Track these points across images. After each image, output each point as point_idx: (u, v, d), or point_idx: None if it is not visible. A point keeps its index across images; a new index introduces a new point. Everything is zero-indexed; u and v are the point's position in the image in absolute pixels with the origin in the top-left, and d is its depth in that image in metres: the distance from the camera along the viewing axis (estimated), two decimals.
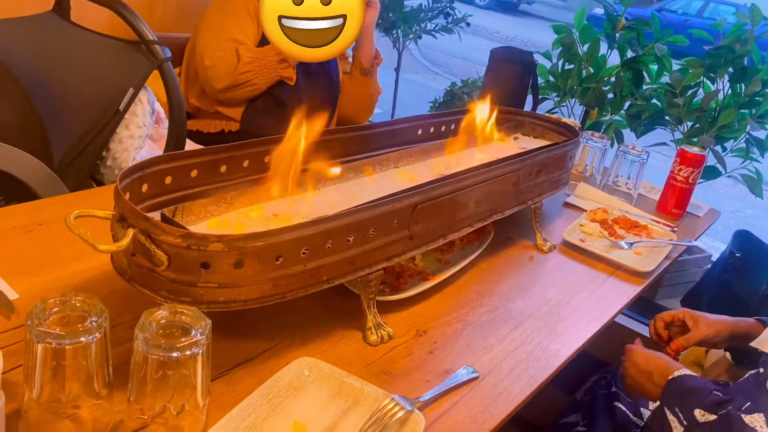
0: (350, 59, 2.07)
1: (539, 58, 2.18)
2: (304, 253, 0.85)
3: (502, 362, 0.96)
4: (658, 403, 1.06)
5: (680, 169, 1.58)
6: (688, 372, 1.06)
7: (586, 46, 2.08)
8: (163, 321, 0.70)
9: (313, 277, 0.88)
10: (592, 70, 2.08)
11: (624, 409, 1.28)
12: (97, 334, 0.67)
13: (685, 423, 1.00)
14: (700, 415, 0.99)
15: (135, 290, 0.81)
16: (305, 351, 0.90)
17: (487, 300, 1.12)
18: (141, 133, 1.37)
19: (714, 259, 2.06)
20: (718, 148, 1.92)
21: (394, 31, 2.58)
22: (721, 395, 1.00)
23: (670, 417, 1.02)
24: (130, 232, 0.77)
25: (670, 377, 1.06)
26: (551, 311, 1.12)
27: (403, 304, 1.05)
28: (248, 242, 0.79)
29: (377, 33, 2.36)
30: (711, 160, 1.90)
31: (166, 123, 1.59)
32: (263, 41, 1.79)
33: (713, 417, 0.97)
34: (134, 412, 0.71)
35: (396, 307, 1.04)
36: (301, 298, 0.92)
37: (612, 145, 1.92)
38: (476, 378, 0.92)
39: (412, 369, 0.92)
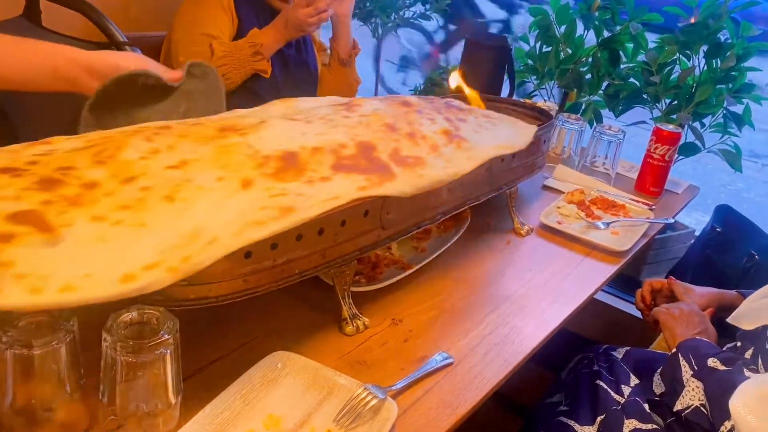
0: (328, 50, 2.07)
1: (517, 42, 2.19)
2: (273, 248, 0.86)
3: (477, 347, 0.98)
4: (674, 350, 1.12)
5: (656, 147, 1.59)
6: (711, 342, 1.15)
7: (563, 28, 2.08)
8: (130, 322, 0.71)
9: (284, 272, 0.88)
10: (570, 52, 2.08)
11: (605, 387, 1.29)
12: (66, 339, 0.68)
13: (695, 367, 1.06)
14: (712, 362, 1.05)
15: None
16: (281, 344, 0.91)
17: (463, 286, 1.13)
18: None
19: (697, 234, 2.07)
20: (697, 124, 1.92)
21: (372, 20, 2.58)
22: (735, 356, 1.07)
23: (683, 362, 1.08)
24: None
25: (697, 337, 1.14)
26: (527, 294, 1.14)
27: (378, 294, 1.06)
28: None
29: (355, 23, 2.36)
30: (690, 137, 1.91)
31: None
32: (238, 35, 1.79)
33: (723, 367, 1.03)
34: (107, 413, 0.72)
35: (372, 297, 1.05)
36: (275, 292, 0.94)
37: (591, 126, 1.93)
38: (450, 364, 0.93)
39: (387, 358, 0.93)
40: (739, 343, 1.17)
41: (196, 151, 0.85)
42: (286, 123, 0.99)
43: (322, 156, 0.92)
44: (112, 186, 0.75)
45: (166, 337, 0.69)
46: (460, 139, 1.13)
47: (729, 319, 1.18)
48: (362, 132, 1.02)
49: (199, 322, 0.94)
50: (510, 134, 1.25)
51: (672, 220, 1.50)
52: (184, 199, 0.76)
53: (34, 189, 0.71)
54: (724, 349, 1.13)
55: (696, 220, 2.75)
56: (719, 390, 1.00)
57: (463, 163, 1.07)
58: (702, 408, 1.03)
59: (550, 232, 1.37)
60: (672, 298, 1.32)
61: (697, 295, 1.28)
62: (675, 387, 1.09)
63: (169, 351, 0.70)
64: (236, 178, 0.83)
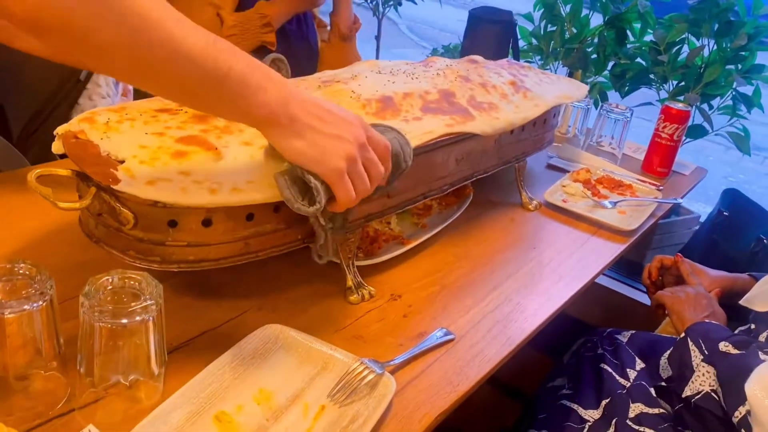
0: (329, 26, 2.01)
1: (522, 21, 2.13)
2: (276, 211, 0.82)
3: (479, 324, 0.93)
4: (683, 335, 1.08)
5: (665, 126, 1.54)
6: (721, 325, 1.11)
7: (568, 6, 2.02)
8: (110, 287, 0.66)
9: (287, 236, 0.86)
10: (575, 31, 2.03)
11: (610, 370, 1.25)
12: (41, 302, 0.64)
13: (706, 352, 1.01)
14: (723, 346, 1.00)
15: (97, 254, 0.78)
16: (274, 318, 0.87)
17: (465, 262, 1.09)
18: (105, 104, 1.32)
19: (702, 220, 2.03)
20: (705, 106, 1.87)
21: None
22: (747, 338, 1.02)
23: (692, 347, 1.04)
24: (93, 189, 0.74)
25: (705, 320, 1.10)
26: (531, 272, 1.09)
27: (377, 269, 1.01)
28: None
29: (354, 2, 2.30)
30: (698, 119, 1.86)
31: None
32: (240, 6, 1.73)
33: (735, 351, 0.98)
34: (85, 385, 0.67)
35: (370, 272, 1.00)
36: (272, 263, 0.89)
37: (596, 106, 1.88)
38: (451, 340, 0.89)
39: (385, 333, 0.89)
40: (753, 326, 1.13)
41: (311, 93, 0.95)
42: (377, 75, 1.11)
43: (412, 100, 1.04)
44: None
45: (149, 302, 0.65)
46: (525, 90, 1.24)
47: (742, 302, 1.14)
48: (441, 82, 1.13)
49: (187, 292, 0.90)
50: (567, 87, 1.35)
51: (681, 200, 1.46)
52: None
53: (192, 122, 0.84)
54: (737, 332, 1.09)
55: (698, 210, 2.71)
56: (733, 374, 0.95)
57: (530, 109, 1.19)
58: (713, 394, 0.99)
59: (554, 210, 1.32)
60: (680, 277, 1.28)
61: (710, 277, 1.24)
62: (683, 372, 1.04)
63: (152, 318, 0.65)
64: None
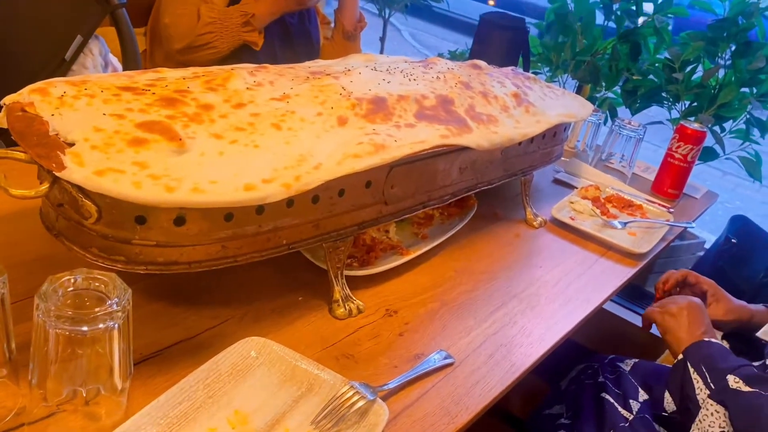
0: (332, 23, 1.94)
1: (532, 30, 2.07)
2: (259, 212, 0.74)
3: (481, 347, 0.86)
4: (681, 356, 0.99)
5: (678, 146, 1.47)
6: (720, 342, 1.01)
7: (581, 18, 1.96)
8: (72, 289, 0.58)
9: (270, 241, 0.77)
10: (586, 43, 1.96)
11: (612, 400, 1.17)
12: None
13: (712, 386, 0.92)
14: (733, 381, 0.91)
15: (64, 249, 0.70)
16: (257, 330, 0.79)
17: (466, 278, 1.01)
18: None
19: (707, 246, 1.97)
20: (717, 128, 1.81)
21: None
22: (756, 371, 0.92)
23: (695, 376, 0.95)
24: (52, 175, 0.65)
25: (705, 339, 1.00)
26: (537, 292, 1.02)
27: (371, 281, 0.94)
28: None
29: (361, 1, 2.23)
30: (709, 141, 1.80)
31: None
32: (233, 1, 1.65)
33: (747, 389, 0.89)
34: (37, 398, 0.59)
35: (364, 284, 0.93)
36: (257, 268, 0.81)
37: (605, 123, 1.81)
38: (451, 364, 0.81)
39: (378, 353, 0.81)
40: None
41: (295, 87, 0.90)
42: (372, 71, 1.03)
43: (407, 104, 0.96)
44: (225, 109, 0.79)
45: (115, 308, 0.57)
46: (528, 104, 1.16)
47: (759, 334, 1.07)
48: (440, 87, 1.05)
49: (161, 296, 0.82)
50: (572, 105, 1.28)
51: (693, 225, 1.39)
52: (289, 128, 0.80)
53: (158, 105, 0.75)
54: (756, 366, 1.02)
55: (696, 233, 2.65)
56: (751, 418, 0.87)
57: (531, 125, 1.11)
58: None
59: (562, 227, 1.25)
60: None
61: (727, 308, 1.15)
62: (687, 405, 0.96)
63: (117, 325, 0.57)
64: (333, 114, 0.85)
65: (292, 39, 1.79)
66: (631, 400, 1.18)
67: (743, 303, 1.16)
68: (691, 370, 0.96)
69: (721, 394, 0.92)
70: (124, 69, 1.32)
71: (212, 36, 1.57)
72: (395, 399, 0.73)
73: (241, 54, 1.66)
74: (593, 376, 1.27)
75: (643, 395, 1.19)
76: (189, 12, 1.57)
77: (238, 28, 1.60)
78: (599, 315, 1.68)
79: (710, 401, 0.93)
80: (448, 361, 0.81)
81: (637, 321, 1.69)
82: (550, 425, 1.20)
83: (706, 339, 1.01)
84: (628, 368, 1.27)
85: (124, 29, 1.25)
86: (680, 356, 0.99)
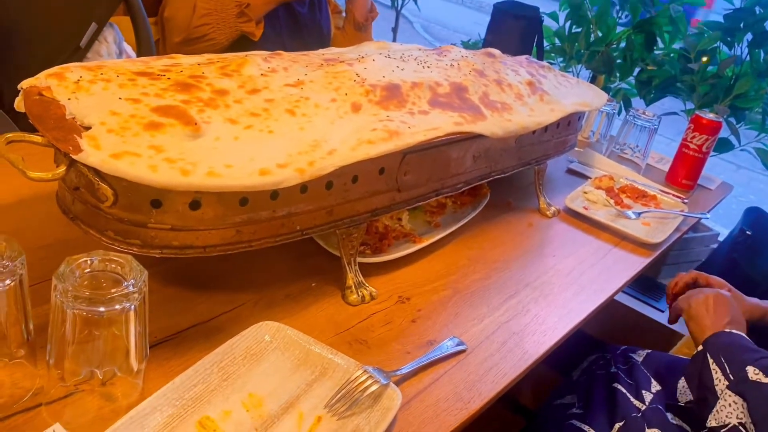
0: (343, 13, 1.93)
1: (546, 21, 2.05)
2: (274, 198, 0.74)
3: (494, 334, 0.86)
4: (700, 347, 0.99)
5: (693, 137, 1.46)
6: (743, 334, 1.00)
7: (595, 8, 1.94)
8: (89, 270, 0.58)
9: (284, 226, 0.77)
10: (600, 34, 1.95)
11: (624, 391, 1.17)
12: (9, 282, 0.56)
13: (731, 377, 0.92)
14: (753, 372, 0.90)
15: (80, 233, 0.70)
16: (270, 315, 0.79)
17: (480, 267, 1.01)
18: None
19: (721, 239, 1.95)
20: (733, 119, 1.79)
21: None
22: None
23: (713, 366, 0.95)
24: (68, 159, 0.66)
25: (726, 330, 0.99)
26: (550, 281, 1.01)
27: (384, 268, 0.94)
28: None
29: None
30: (725, 132, 1.78)
31: None
32: None
33: (767, 380, 0.88)
34: (55, 378, 0.60)
35: (377, 271, 0.93)
36: (271, 254, 0.82)
37: (619, 114, 1.80)
38: (463, 351, 0.81)
39: (390, 339, 0.81)
40: None
41: (309, 73, 0.90)
42: (385, 59, 1.02)
43: (421, 91, 0.95)
44: (240, 95, 0.79)
45: (132, 289, 0.57)
46: (542, 92, 1.15)
47: None
48: (454, 74, 1.05)
49: (176, 281, 0.82)
50: (587, 94, 1.27)
51: (708, 216, 1.38)
52: (303, 114, 0.80)
53: (173, 90, 0.75)
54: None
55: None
56: None
57: (546, 114, 1.10)
58: (741, 428, 0.90)
59: (575, 217, 1.24)
60: None
61: (744, 305, 1.14)
62: (705, 395, 0.96)
63: (133, 306, 0.57)
64: (347, 101, 0.85)
65: (301, 29, 1.78)
66: (643, 391, 1.17)
67: (756, 301, 1.15)
68: (710, 360, 0.96)
69: (740, 386, 0.91)
70: (137, 54, 1.32)
71: (209, 27, 1.55)
72: (408, 384, 0.74)
73: (248, 46, 1.65)
74: (605, 367, 1.27)
75: (655, 386, 1.19)
76: (186, 5, 1.55)
77: (233, 18, 1.58)
78: (611, 306, 1.68)
79: (728, 392, 0.92)
80: (460, 347, 0.81)
81: (648, 312, 1.68)
82: (562, 415, 1.20)
83: (728, 330, 1.00)
84: (640, 359, 1.27)
85: (138, 17, 1.26)
86: (700, 347, 0.99)
